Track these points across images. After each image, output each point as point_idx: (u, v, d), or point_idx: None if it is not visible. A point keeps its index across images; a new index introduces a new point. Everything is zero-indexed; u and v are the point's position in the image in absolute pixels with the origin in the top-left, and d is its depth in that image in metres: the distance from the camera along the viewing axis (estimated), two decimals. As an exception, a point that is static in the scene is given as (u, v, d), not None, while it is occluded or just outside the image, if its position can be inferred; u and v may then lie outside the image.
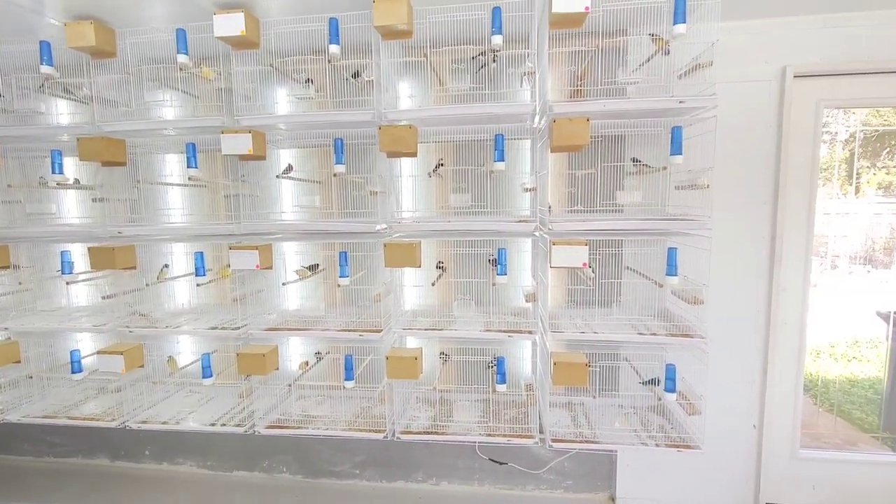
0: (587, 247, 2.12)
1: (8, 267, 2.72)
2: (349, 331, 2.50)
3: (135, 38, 2.46)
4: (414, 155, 2.31)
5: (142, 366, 2.69)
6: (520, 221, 2.38)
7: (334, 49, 2.27)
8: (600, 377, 2.67)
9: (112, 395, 2.92)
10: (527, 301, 2.45)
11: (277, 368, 2.58)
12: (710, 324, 2.33)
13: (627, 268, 2.66)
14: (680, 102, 2.11)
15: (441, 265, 2.65)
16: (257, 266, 2.37)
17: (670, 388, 2.28)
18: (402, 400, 2.76)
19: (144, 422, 2.75)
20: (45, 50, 2.47)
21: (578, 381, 2.22)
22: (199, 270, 2.52)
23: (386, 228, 2.46)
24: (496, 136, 2.24)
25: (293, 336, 2.64)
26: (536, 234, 2.50)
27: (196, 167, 2.46)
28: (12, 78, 2.68)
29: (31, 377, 2.87)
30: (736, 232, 2.67)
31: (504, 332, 2.42)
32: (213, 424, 2.68)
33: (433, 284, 2.44)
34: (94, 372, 2.76)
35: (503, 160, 2.24)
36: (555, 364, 2.22)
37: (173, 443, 3.39)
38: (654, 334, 2.33)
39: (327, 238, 2.65)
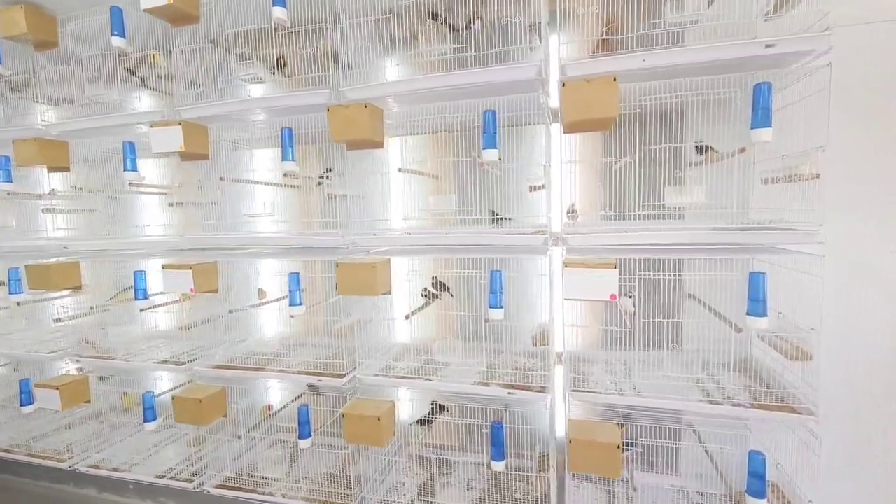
0: (616, 270, 1.41)
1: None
2: (307, 374, 1.95)
3: (75, 24, 2.12)
4: (378, 145, 1.74)
5: (88, 401, 2.33)
6: (519, 234, 1.70)
7: (279, 13, 1.77)
8: (648, 455, 1.90)
9: (72, 431, 2.58)
10: (534, 344, 1.75)
11: (225, 415, 2.09)
12: (824, 389, 1.50)
13: (690, 296, 1.88)
14: (767, 47, 1.36)
15: (428, 292, 2.02)
16: (192, 290, 1.90)
17: (756, 492, 1.46)
18: (385, 460, 2.15)
19: (95, 466, 2.39)
20: (-9, 44, 2.21)
21: (605, 470, 1.49)
22: (139, 293, 2.10)
23: (349, 244, 1.89)
24: (485, 113, 1.59)
25: (251, 375, 2.13)
26: (551, 249, 1.81)
27: (135, 169, 2.05)
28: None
29: (-10, 405, 2.62)
30: (862, 246, 1.79)
31: (505, 386, 1.74)
32: (161, 476, 2.25)
33: (407, 318, 1.82)
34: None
35: (494, 147, 1.59)
36: (571, 443, 1.51)
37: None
38: (733, 402, 1.54)
39: (281, 255, 2.13)
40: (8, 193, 2.36)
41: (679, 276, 1.77)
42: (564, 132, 1.55)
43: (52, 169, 2.25)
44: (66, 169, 2.24)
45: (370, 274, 1.64)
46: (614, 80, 1.36)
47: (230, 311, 2.07)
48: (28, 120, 2.32)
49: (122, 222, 2.53)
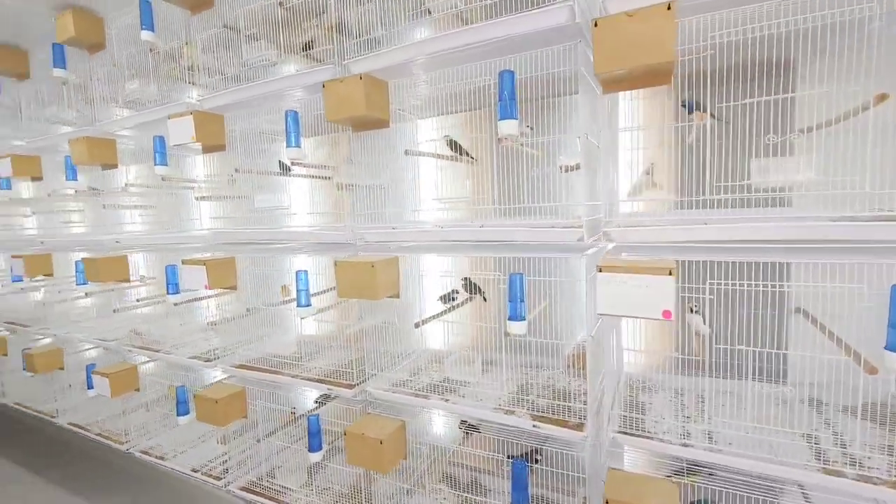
0: (674, 276, 1.01)
1: (51, 275, 2.75)
2: (319, 381, 1.79)
3: (118, 23, 2.17)
4: (383, 123, 1.49)
5: (137, 389, 2.42)
6: (548, 228, 1.34)
7: (282, -17, 1.60)
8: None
9: (131, 416, 2.72)
10: (568, 365, 1.39)
11: (245, 416, 2.01)
12: None
13: (797, 310, 1.39)
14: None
15: (446, 296, 1.74)
16: (206, 286, 1.83)
17: None
18: (412, 478, 1.93)
19: (146, 452, 2.48)
20: (58, 51, 2.36)
21: (658, 548, 1.10)
22: (171, 287, 2.10)
23: (357, 239, 1.68)
24: (500, 75, 1.26)
25: (266, 378, 2.03)
26: (595, 247, 1.42)
27: (164, 164, 2.04)
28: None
29: (70, 385, 2.86)
30: None
31: (532, 417, 1.40)
32: (195, 471, 2.25)
33: (417, 326, 1.56)
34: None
35: (513, 117, 1.25)
36: None
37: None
38: (862, 474, 1.05)
39: (292, 251, 1.98)
40: (75, 191, 2.52)
41: (774, 286, 1.28)
42: (603, 92, 1.17)
43: (105, 166, 2.35)
44: (115, 166, 2.32)
45: (368, 274, 1.40)
46: (668, 8, 0.96)
47: (248, 310, 1.98)
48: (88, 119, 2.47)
49: (176, 217, 2.59)
